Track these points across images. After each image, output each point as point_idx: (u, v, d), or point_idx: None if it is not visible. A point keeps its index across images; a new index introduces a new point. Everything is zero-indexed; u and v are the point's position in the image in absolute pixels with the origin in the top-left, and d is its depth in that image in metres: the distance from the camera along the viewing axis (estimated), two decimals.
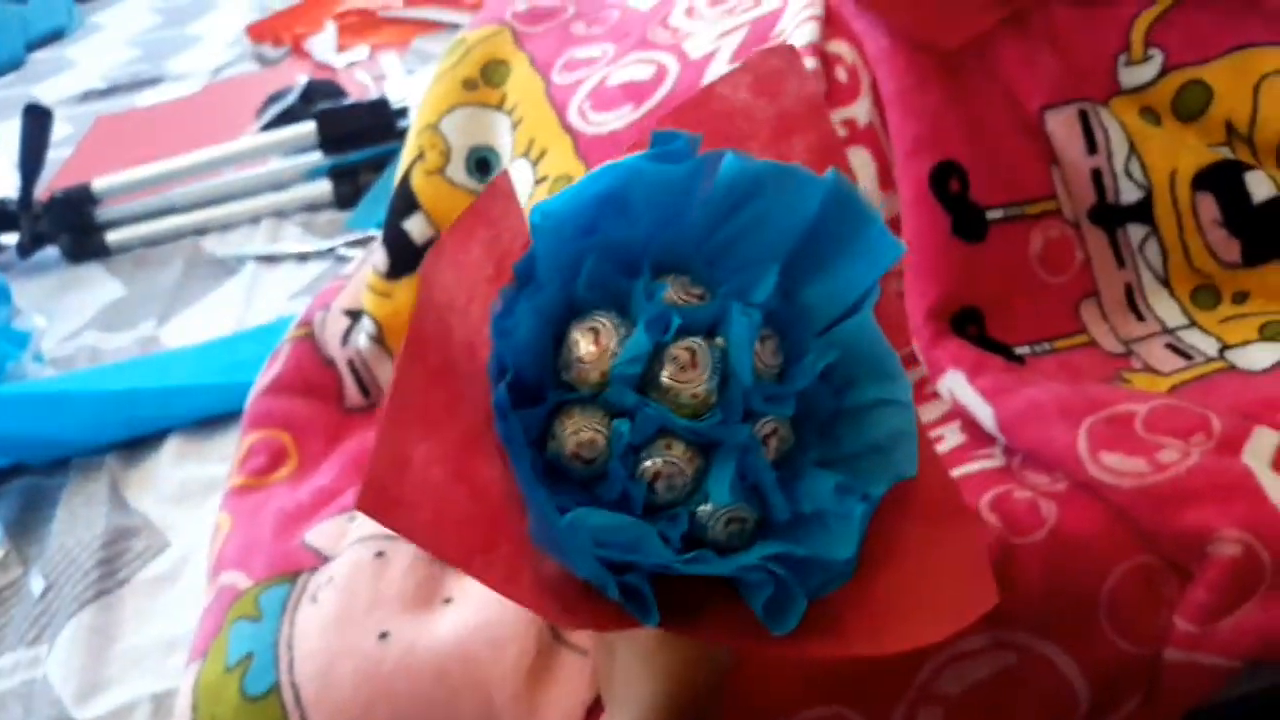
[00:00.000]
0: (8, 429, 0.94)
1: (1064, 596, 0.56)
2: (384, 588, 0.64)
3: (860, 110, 0.75)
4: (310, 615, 0.64)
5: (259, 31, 2.03)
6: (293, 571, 0.68)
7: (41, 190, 1.38)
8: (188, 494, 0.88)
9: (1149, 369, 0.69)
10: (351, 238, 1.25)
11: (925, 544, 0.45)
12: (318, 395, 0.86)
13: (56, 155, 1.53)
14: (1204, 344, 0.69)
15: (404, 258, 0.88)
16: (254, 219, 1.34)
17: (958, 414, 0.68)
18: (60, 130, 1.58)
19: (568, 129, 0.82)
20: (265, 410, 0.84)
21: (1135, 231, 0.73)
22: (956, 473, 0.62)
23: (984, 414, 0.64)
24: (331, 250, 1.24)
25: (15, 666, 0.76)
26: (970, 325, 0.70)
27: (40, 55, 2.31)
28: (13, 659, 0.77)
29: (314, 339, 0.90)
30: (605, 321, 0.43)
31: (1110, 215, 0.73)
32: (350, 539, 0.69)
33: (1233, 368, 0.67)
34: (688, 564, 0.41)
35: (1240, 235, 0.71)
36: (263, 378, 0.87)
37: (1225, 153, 0.72)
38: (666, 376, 0.42)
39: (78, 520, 0.86)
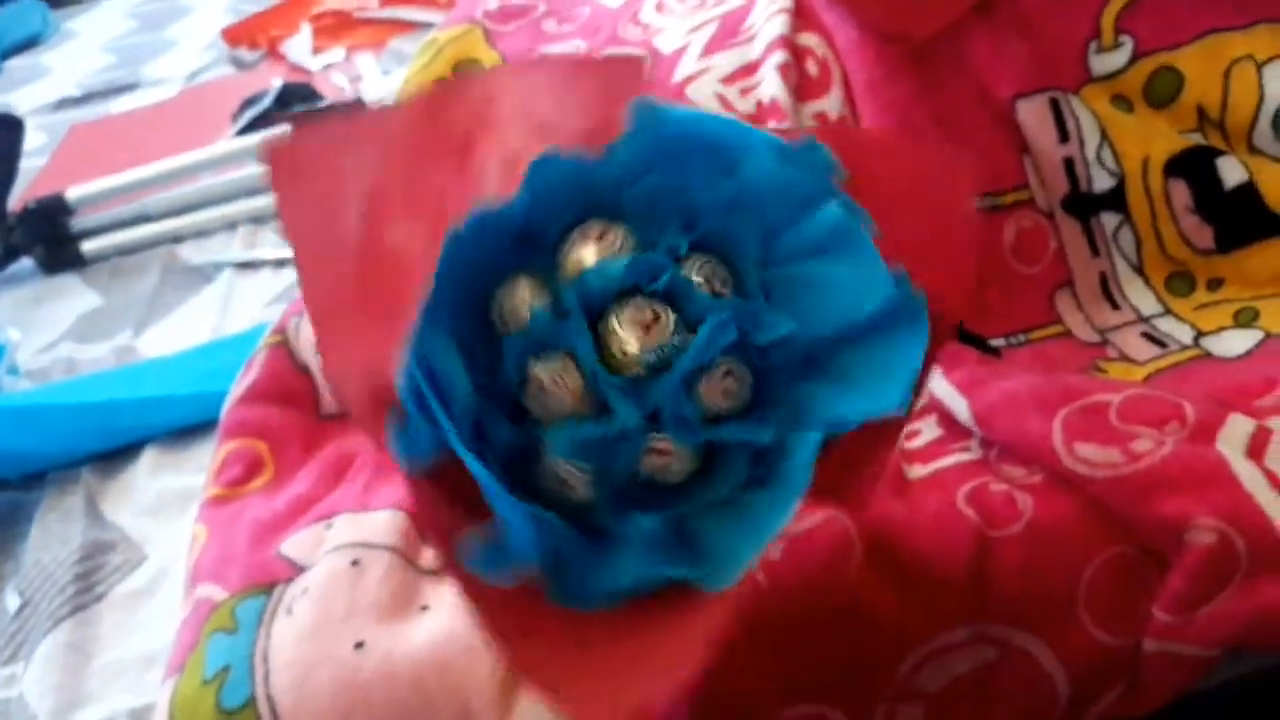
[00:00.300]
0: None
1: (1042, 589, 0.56)
2: (359, 596, 0.63)
3: (831, 103, 0.75)
4: (286, 626, 0.63)
5: (234, 35, 2.01)
6: (269, 583, 0.67)
7: (16, 201, 1.37)
8: (164, 506, 0.87)
9: (1125, 358, 0.69)
10: None
11: None
12: (293, 403, 0.85)
13: (31, 165, 1.52)
14: (1179, 331, 0.69)
15: None
16: (231, 225, 1.34)
17: (934, 408, 0.67)
18: (35, 139, 1.57)
19: None
20: (240, 419, 0.83)
21: (1109, 220, 0.73)
22: (933, 466, 0.62)
23: (959, 407, 0.64)
24: None
25: None
26: None
27: (14, 63, 2.29)
28: None
29: (288, 346, 0.89)
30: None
31: (1083, 204, 0.73)
32: (326, 548, 0.68)
33: (1208, 355, 0.67)
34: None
35: (1213, 221, 0.71)
36: (237, 386, 0.86)
37: (1197, 139, 0.72)
38: (618, 321, 0.41)
39: (53, 535, 0.86)
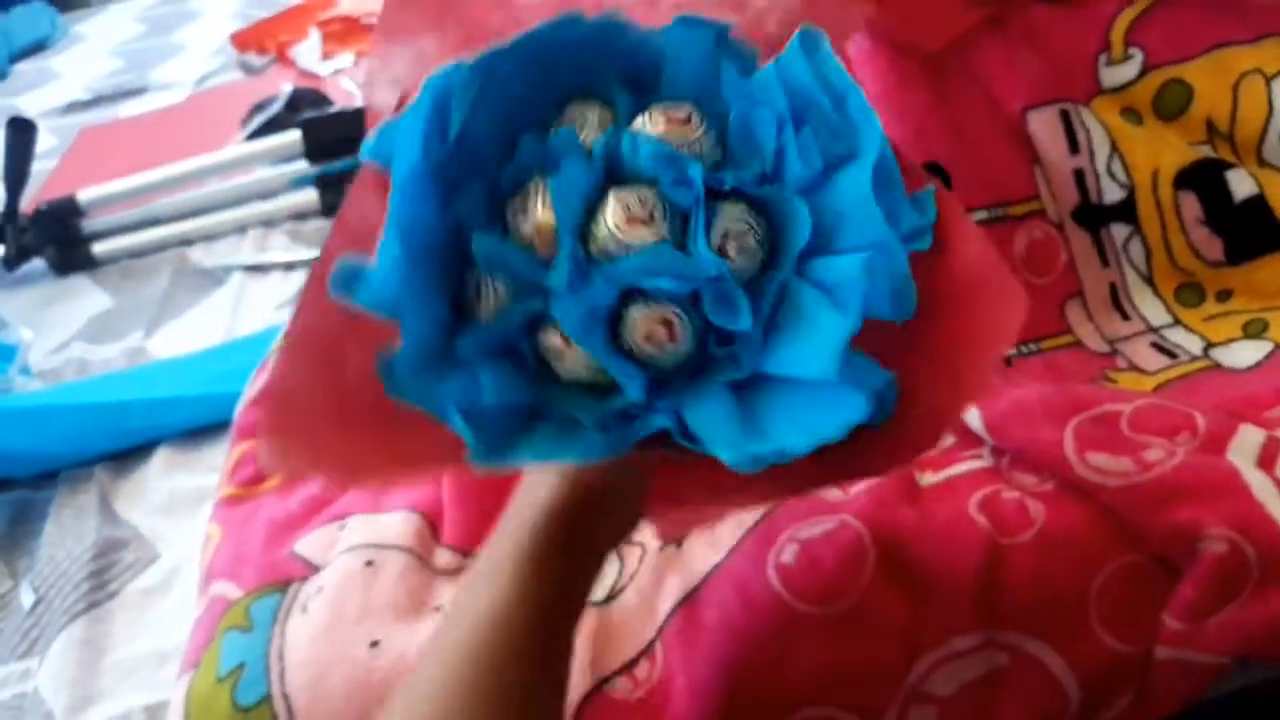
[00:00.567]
0: None
1: (1053, 596, 0.56)
2: (374, 597, 0.64)
3: None
4: (301, 625, 0.64)
5: (243, 40, 2.02)
6: (283, 581, 0.68)
7: (27, 203, 1.38)
8: (177, 505, 0.88)
9: (1134, 368, 0.69)
10: None
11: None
12: None
13: (41, 167, 1.53)
14: (1188, 342, 0.70)
15: None
16: (240, 228, 1.34)
17: None
18: (45, 142, 1.58)
19: None
20: (254, 420, 0.83)
21: (1119, 231, 0.73)
22: (945, 474, 0.63)
23: (971, 415, 0.64)
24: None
25: (6, 680, 0.76)
26: None
27: (23, 66, 2.30)
28: (4, 672, 0.77)
29: None
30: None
31: (1094, 215, 0.73)
32: (340, 548, 0.68)
33: (1217, 366, 0.67)
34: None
35: (1223, 233, 0.71)
36: (251, 388, 0.86)
37: (1206, 151, 0.72)
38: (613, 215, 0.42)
39: (67, 533, 0.86)
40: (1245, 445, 0.57)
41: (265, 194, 1.38)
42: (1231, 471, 0.56)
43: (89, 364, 1.13)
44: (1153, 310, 0.72)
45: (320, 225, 1.32)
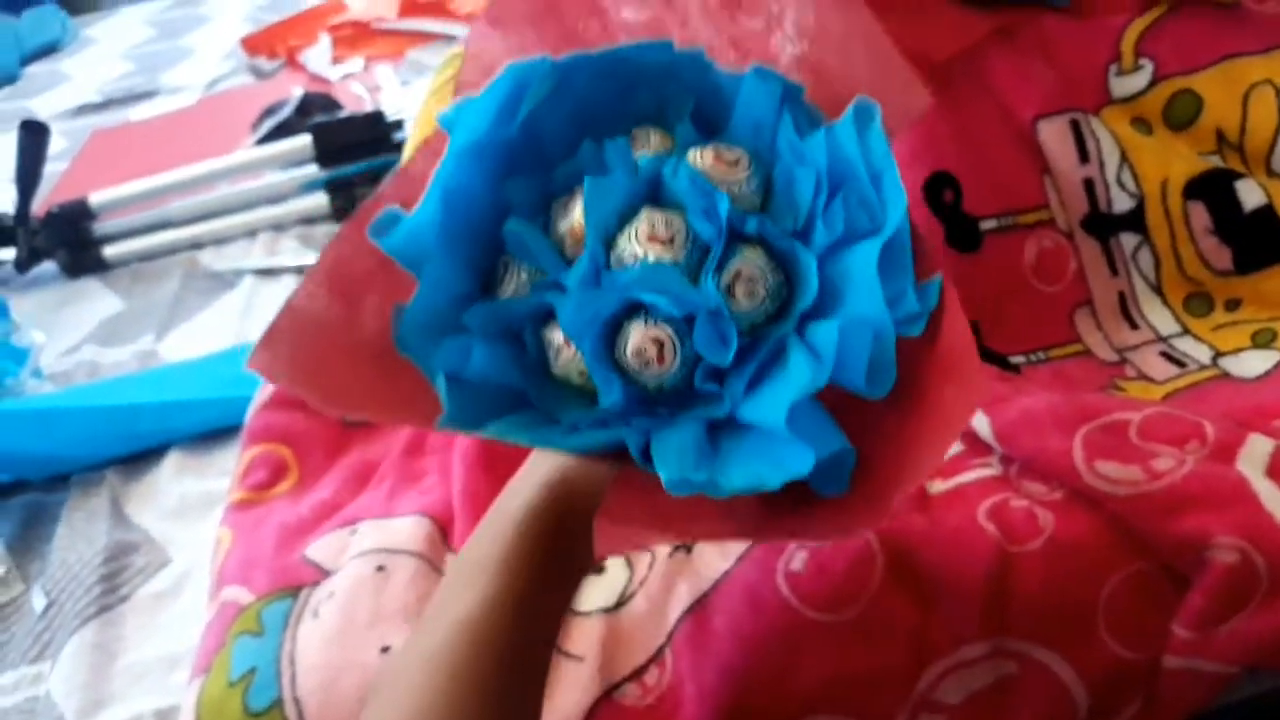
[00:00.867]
0: (7, 445, 0.94)
1: (1062, 604, 0.57)
2: (385, 602, 0.64)
3: None
4: (312, 630, 0.64)
5: (253, 44, 2.03)
6: (294, 586, 0.68)
7: (38, 205, 1.39)
8: (188, 509, 0.88)
9: (1143, 377, 0.69)
10: None
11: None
12: (317, 410, 0.86)
13: (52, 169, 1.53)
14: (1197, 351, 0.70)
15: None
16: (251, 232, 1.35)
17: None
18: (55, 145, 1.58)
19: None
20: (265, 424, 0.84)
21: (1128, 240, 0.73)
22: (954, 481, 0.63)
23: (980, 423, 0.64)
24: None
25: (18, 683, 0.76)
26: None
27: (34, 69, 2.31)
28: (15, 676, 0.77)
29: None
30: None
31: (1103, 224, 0.74)
32: (351, 553, 0.69)
33: (1226, 375, 0.68)
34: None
35: (1232, 243, 0.71)
36: (262, 392, 0.87)
37: (1216, 161, 0.73)
38: (639, 234, 0.44)
39: (79, 536, 0.86)
40: (1254, 454, 0.58)
41: (275, 198, 1.38)
42: (1241, 481, 0.56)
43: (100, 367, 1.13)
44: (1161, 319, 0.72)
45: (330, 229, 1.32)
